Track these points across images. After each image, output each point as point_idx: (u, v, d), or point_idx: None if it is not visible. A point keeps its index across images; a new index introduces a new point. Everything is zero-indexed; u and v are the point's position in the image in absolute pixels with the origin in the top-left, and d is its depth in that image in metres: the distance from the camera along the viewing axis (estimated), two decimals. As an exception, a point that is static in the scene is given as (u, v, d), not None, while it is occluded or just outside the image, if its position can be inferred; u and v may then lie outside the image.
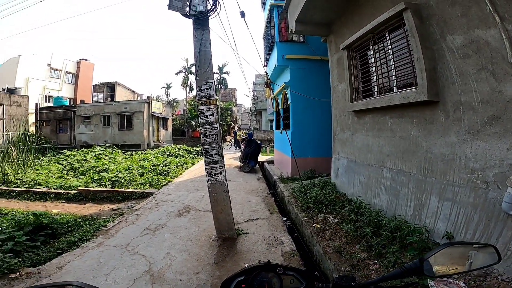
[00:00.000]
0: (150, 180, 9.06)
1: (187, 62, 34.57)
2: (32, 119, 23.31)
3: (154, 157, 14.30)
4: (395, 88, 3.90)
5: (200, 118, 4.14)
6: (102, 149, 15.97)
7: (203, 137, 4.14)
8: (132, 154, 15.84)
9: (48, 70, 28.58)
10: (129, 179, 9.04)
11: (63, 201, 7.50)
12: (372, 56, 4.37)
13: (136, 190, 7.43)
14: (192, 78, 35.19)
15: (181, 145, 19.29)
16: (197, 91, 4.25)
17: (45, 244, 4.62)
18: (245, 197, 6.91)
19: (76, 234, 4.79)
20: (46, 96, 27.53)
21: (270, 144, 19.08)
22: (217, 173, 4.15)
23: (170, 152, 15.95)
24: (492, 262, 0.81)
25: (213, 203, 4.28)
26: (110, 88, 26.66)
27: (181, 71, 34.73)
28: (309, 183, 6.81)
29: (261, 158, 13.19)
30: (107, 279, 3.20)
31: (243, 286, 0.87)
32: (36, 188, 8.41)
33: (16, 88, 21.76)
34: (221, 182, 4.18)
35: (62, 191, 7.87)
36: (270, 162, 12.44)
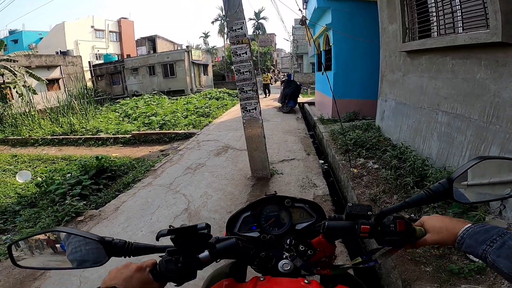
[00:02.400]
0: (193, 121, 9.12)
1: (222, 10, 32.06)
2: (88, 75, 24.79)
3: (197, 100, 14.33)
4: (460, 29, 3.16)
5: (234, 56, 3.68)
6: (150, 96, 16.45)
7: (237, 75, 3.70)
8: (177, 99, 16.11)
9: (92, 31, 29.40)
10: (175, 122, 9.20)
11: (120, 145, 8.00)
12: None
13: (180, 131, 7.52)
14: None
15: (221, 89, 19.01)
16: (229, 31, 3.66)
17: (106, 187, 4.95)
18: (282, 136, 6.50)
19: (130, 175, 4.98)
20: (96, 54, 28.69)
21: (312, 86, 17.73)
22: (252, 109, 3.74)
23: (211, 95, 15.83)
24: None
25: (248, 140, 3.98)
26: (151, 41, 26.38)
27: (216, 20, 32.62)
28: (350, 125, 6.10)
29: (301, 99, 12.34)
30: (152, 217, 3.24)
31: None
32: (98, 134, 9.09)
33: (68, 50, 22.76)
34: (256, 118, 3.78)
35: (119, 135, 8.34)
36: (311, 104, 11.54)
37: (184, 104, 13.18)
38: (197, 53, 22.61)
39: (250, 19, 32.99)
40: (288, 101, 9.64)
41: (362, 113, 7.59)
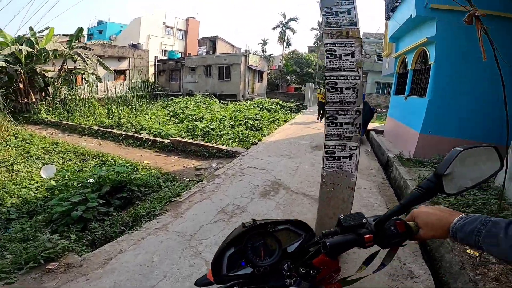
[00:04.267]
0: (239, 134, 7.81)
1: (284, 17, 30.97)
2: (152, 70, 25.73)
3: (247, 109, 13.13)
4: None
5: (327, 58, 2.07)
6: (202, 97, 15.82)
7: (329, 91, 2.08)
8: (227, 104, 15.27)
9: (163, 27, 30.84)
10: (220, 131, 7.98)
11: (157, 150, 7.02)
12: None
13: (223, 147, 6.19)
14: (289, 33, 31.73)
15: (274, 99, 17.66)
16: (323, 15, 2.08)
17: (119, 210, 3.83)
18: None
19: (147, 204, 3.75)
20: (163, 50, 29.90)
21: (378, 109, 15.24)
22: (344, 157, 2.11)
23: (263, 105, 14.50)
24: (495, 169, 0.65)
25: (323, 202, 2.35)
26: (212, 42, 26.41)
27: (278, 26, 31.53)
28: None
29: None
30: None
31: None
32: (140, 133, 8.34)
33: (138, 43, 23.78)
34: (348, 172, 2.15)
35: (158, 139, 7.40)
36: (379, 132, 9.42)
37: (233, 111, 12.05)
38: (254, 58, 21.66)
39: (313, 29, 31.25)
40: (357, 128, 7.70)
41: None
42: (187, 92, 21.77)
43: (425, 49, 6.39)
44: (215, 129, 8.14)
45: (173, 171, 5.51)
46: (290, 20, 30.44)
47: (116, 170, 4.26)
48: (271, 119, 10.88)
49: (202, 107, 13.19)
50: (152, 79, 25.17)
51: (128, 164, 5.82)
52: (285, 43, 31.21)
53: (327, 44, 1.99)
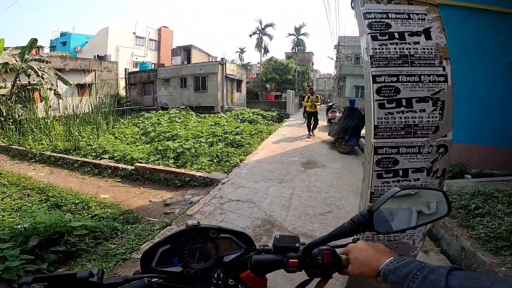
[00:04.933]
0: (218, 153, 6.79)
1: (261, 23, 30.65)
2: (123, 83, 24.16)
3: (227, 121, 12.16)
4: None
5: (372, 40, 1.06)
6: (177, 111, 14.63)
7: (382, 107, 1.07)
8: (205, 117, 14.25)
9: (133, 38, 29.58)
10: (195, 151, 6.93)
11: (119, 180, 5.81)
12: None
13: (198, 174, 5.13)
14: (266, 40, 31.41)
15: (255, 109, 16.85)
16: None
17: (56, 266, 2.78)
18: (356, 202, 3.89)
19: (90, 265, 2.67)
20: (134, 61, 28.44)
21: None
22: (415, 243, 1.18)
23: (243, 117, 13.58)
24: (441, 214, 0.63)
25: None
26: (187, 51, 25.34)
27: (254, 33, 31.09)
28: (473, 188, 3.48)
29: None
30: None
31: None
32: (101, 157, 7.07)
33: (105, 55, 22.27)
34: (407, 244, 1.21)
35: (120, 165, 6.19)
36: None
37: (211, 125, 11.02)
38: (232, 66, 20.85)
39: (290, 34, 31.13)
40: (350, 138, 6.93)
41: (472, 164, 4.99)
42: (162, 105, 20.44)
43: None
44: (190, 149, 7.07)
45: (136, 208, 4.40)
46: (267, 26, 30.19)
47: (44, 219, 3.09)
48: (253, 132, 9.98)
49: (177, 122, 12.05)
50: (123, 93, 23.62)
51: (77, 201, 4.67)
52: (262, 50, 30.81)
53: (368, 12, 1.08)
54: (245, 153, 7.05)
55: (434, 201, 0.63)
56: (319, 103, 9.80)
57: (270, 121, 13.58)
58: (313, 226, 3.18)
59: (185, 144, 7.45)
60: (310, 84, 33.50)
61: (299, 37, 30.73)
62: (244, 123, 11.82)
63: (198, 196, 4.36)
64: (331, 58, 25.07)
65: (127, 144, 8.54)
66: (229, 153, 6.89)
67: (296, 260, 0.61)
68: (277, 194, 4.10)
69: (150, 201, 4.63)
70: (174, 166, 6.00)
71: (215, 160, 6.26)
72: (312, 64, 38.06)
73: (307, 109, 9.84)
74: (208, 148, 7.29)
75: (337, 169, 5.59)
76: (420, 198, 0.64)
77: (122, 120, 13.10)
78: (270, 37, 31.05)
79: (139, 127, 11.26)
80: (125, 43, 28.26)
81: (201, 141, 8.03)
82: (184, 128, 10.23)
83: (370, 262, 0.56)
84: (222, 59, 20.38)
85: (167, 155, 6.77)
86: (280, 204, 3.76)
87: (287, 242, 0.64)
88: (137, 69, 25.06)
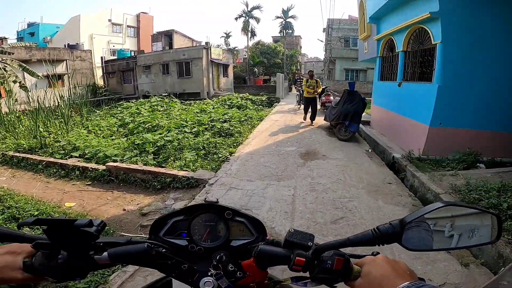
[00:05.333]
0: (205, 145, 6.00)
1: (247, 6, 28.82)
2: (100, 72, 22.57)
3: (213, 108, 11.25)
4: None
5: None
6: (159, 99, 13.58)
7: None
8: (190, 104, 13.30)
9: (110, 25, 27.81)
10: (178, 144, 6.10)
11: (89, 182, 4.96)
12: None
13: (181, 174, 4.33)
14: (253, 23, 29.77)
15: (243, 94, 15.93)
16: None
17: None
18: (371, 203, 3.24)
19: None
20: (111, 50, 26.64)
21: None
22: None
23: (231, 102, 12.68)
24: (487, 239, 0.54)
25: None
26: (168, 36, 23.74)
27: (240, 16, 29.28)
28: (494, 180, 3.27)
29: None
30: None
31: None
32: (70, 155, 6.17)
33: (77, 43, 20.57)
34: None
35: (90, 165, 5.30)
36: (366, 123, 8.15)
37: (196, 112, 10.12)
38: (217, 51, 19.61)
39: (277, 17, 29.52)
40: (350, 123, 6.22)
41: (484, 151, 4.48)
42: (143, 94, 19.19)
43: (424, 27, 5.26)
44: (172, 141, 6.24)
45: (107, 219, 3.62)
46: (254, 8, 28.54)
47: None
48: (242, 119, 9.17)
49: (159, 111, 11.06)
50: (101, 82, 22.11)
51: (37, 213, 3.86)
52: (249, 33, 29.25)
53: None
54: (235, 144, 6.27)
55: (483, 224, 0.54)
56: (320, 88, 8.88)
57: (260, 106, 12.77)
58: (326, 239, 2.51)
59: (166, 136, 6.61)
60: (299, 68, 32.40)
61: (287, 20, 29.14)
62: (233, 109, 10.96)
63: (182, 202, 3.62)
64: (321, 41, 23.90)
65: (103, 138, 7.61)
66: (217, 144, 6.11)
67: (303, 259, 0.55)
68: (276, 197, 3.37)
69: (124, 209, 3.84)
70: (154, 163, 5.19)
71: (201, 154, 5.47)
72: (300, 47, 36.59)
73: (304, 94, 8.82)
74: (193, 139, 6.48)
75: (340, 160, 4.92)
76: (467, 218, 0.55)
77: (98, 112, 11.97)
78: (257, 20, 29.46)
79: (117, 118, 10.24)
80: (100, 30, 26.38)
81: (185, 131, 7.19)
82: (167, 118, 9.32)
83: (383, 282, 0.48)
84: (206, 43, 19.01)
85: (146, 149, 5.93)
86: (281, 210, 3.04)
87: (299, 238, 0.58)
88: (115, 57, 23.39)
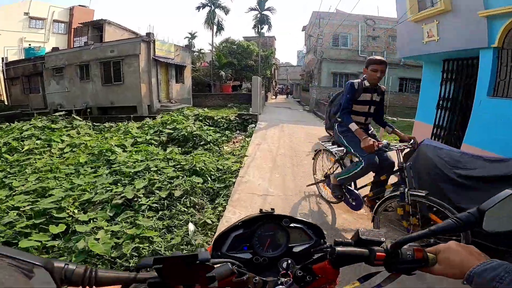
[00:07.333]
0: None
1: None
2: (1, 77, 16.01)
3: (126, 150, 5.84)
4: None
5: None
6: (47, 122, 7.73)
7: None
8: (111, 127, 7.88)
9: (26, 19, 20.94)
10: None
11: None
12: None
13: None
14: (221, 14, 24.02)
15: (202, 108, 10.66)
16: None
17: None
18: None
19: None
20: (25, 49, 19.91)
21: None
22: None
23: (174, 128, 7.20)
24: None
25: None
26: (97, 29, 17.67)
27: (204, 5, 23.45)
28: None
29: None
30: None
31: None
32: None
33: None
34: None
35: None
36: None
37: (104, 152, 4.65)
38: (166, 46, 13.95)
39: (251, 9, 23.85)
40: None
41: None
42: (55, 108, 13.04)
43: None
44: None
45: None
46: (221, -4, 22.87)
47: None
48: (178, 195, 3.83)
49: (19, 151, 5.37)
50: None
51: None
52: (215, 27, 23.53)
53: None
54: None
55: None
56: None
57: (227, 132, 7.51)
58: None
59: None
60: (272, 72, 27.50)
61: (263, 13, 23.88)
62: (168, 151, 5.60)
63: None
64: (311, 36, 19.03)
65: None
66: None
67: (383, 254, 0.58)
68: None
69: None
70: None
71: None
72: (275, 49, 31.45)
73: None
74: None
75: None
76: None
77: None
78: (226, 11, 23.52)
79: None
80: (9, 26, 19.53)
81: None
82: (57, 171, 3.74)
83: (463, 264, 0.53)
84: (148, 34, 13.20)
85: None
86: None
87: (372, 236, 0.60)
88: (23, 58, 16.76)
